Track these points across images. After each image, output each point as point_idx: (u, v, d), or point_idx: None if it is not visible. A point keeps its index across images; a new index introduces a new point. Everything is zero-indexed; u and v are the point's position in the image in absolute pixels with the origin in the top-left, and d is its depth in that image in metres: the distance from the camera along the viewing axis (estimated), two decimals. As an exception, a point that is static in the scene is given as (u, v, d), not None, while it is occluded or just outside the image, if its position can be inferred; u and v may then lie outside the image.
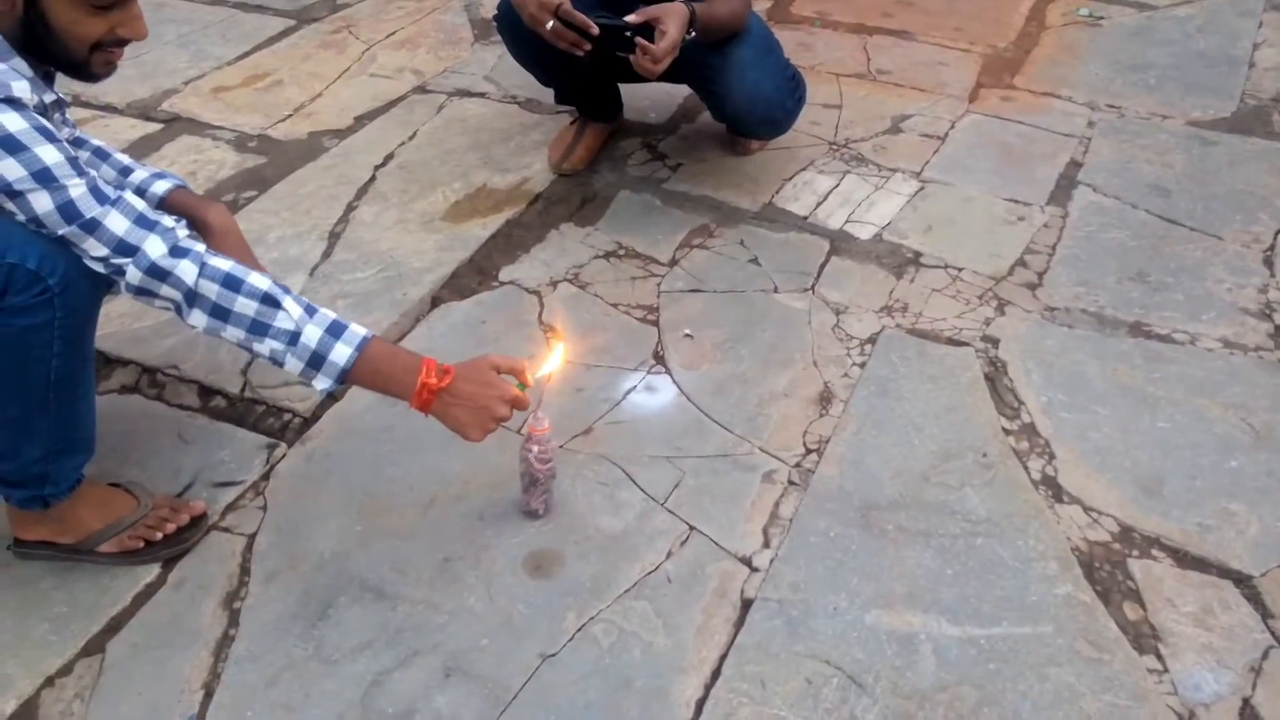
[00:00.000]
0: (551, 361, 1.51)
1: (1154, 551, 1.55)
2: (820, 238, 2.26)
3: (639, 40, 1.91)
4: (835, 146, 2.60)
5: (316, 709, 1.35)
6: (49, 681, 1.39)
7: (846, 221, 2.31)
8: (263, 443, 1.75)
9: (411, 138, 2.64)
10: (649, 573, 1.52)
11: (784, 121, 2.35)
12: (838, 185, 2.44)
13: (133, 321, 1.98)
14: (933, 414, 1.79)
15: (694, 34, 1.99)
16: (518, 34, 2.14)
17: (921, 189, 2.43)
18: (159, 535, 1.54)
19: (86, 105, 2.78)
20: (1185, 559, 1.54)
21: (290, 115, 2.76)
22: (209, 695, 1.37)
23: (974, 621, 1.44)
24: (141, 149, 2.59)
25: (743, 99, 2.21)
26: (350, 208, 2.36)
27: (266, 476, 1.69)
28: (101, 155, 1.59)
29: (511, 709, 1.34)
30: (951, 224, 2.30)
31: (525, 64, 2.35)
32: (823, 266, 2.18)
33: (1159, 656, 1.40)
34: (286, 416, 1.80)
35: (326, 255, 2.19)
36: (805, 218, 2.33)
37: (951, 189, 2.43)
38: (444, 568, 1.53)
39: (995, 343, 1.95)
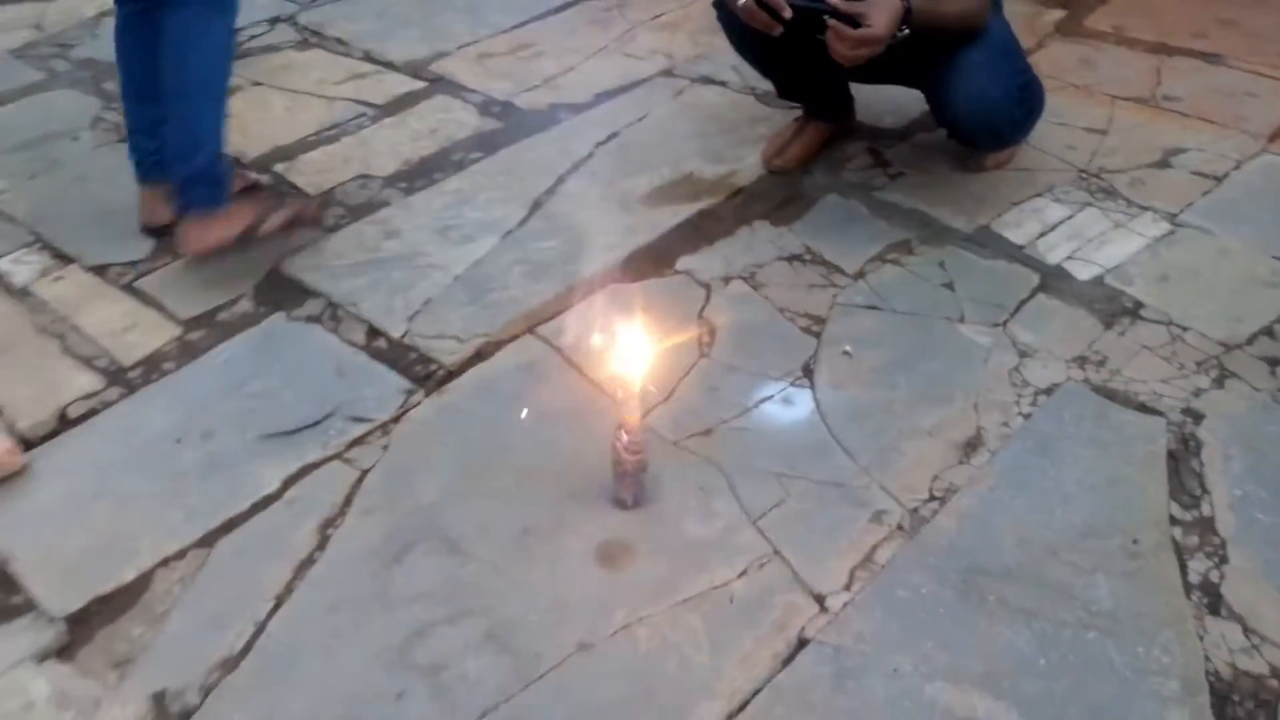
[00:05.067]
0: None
1: (1318, 700, 1.28)
2: (1031, 270, 2.04)
3: (832, 23, 1.80)
4: (1085, 175, 2.33)
5: (358, 642, 1.41)
6: (165, 562, 1.55)
7: (1068, 258, 2.07)
8: (405, 387, 1.84)
9: (640, 119, 2.66)
10: (714, 588, 1.45)
11: (1009, 134, 2.14)
12: (1071, 216, 2.19)
13: (334, 258, 2.15)
14: (1089, 484, 1.57)
15: (906, 30, 1.84)
16: (728, 19, 2.10)
17: (1171, 233, 2.12)
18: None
19: (371, 60, 3.04)
20: (1359, 718, 1.25)
21: (538, 86, 2.87)
22: (278, 606, 1.47)
23: (1052, 725, 1.26)
24: (402, 103, 2.80)
25: (965, 103, 2.04)
26: (560, 180, 2.42)
27: (397, 420, 1.78)
28: None
29: (530, 689, 1.33)
30: (1194, 277, 2.00)
31: (737, 49, 2.29)
32: (1024, 302, 1.96)
33: (1276, 825, 1.15)
34: (433, 366, 1.88)
35: (522, 222, 2.27)
36: (1021, 247, 2.11)
37: (1209, 237, 2.10)
38: (521, 537, 1.55)
39: (1198, 418, 1.67)
